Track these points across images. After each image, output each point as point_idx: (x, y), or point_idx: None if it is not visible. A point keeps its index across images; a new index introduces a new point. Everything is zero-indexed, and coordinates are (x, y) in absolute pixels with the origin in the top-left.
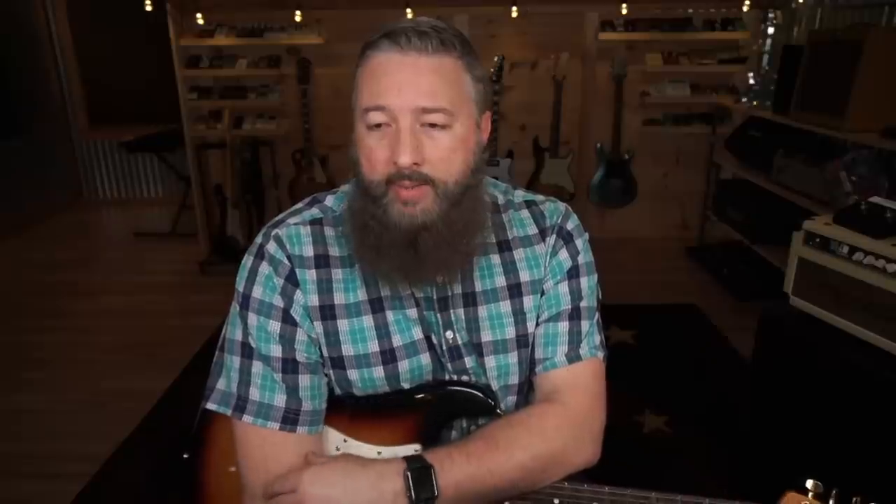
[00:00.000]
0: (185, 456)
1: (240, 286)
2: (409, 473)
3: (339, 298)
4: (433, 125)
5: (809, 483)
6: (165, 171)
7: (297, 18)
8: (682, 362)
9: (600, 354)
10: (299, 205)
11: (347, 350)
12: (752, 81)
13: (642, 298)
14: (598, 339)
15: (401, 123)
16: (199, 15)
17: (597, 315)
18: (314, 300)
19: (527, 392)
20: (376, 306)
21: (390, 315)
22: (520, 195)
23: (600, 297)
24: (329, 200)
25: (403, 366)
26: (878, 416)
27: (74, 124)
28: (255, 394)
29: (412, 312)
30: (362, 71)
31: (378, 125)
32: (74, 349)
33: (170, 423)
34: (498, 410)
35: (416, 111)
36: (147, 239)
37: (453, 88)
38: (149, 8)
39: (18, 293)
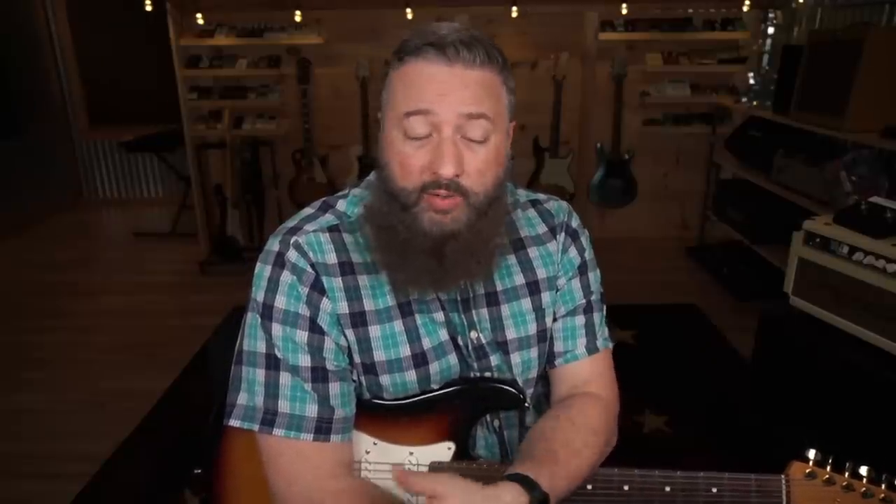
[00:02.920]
0: (196, 472)
1: (258, 296)
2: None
3: (368, 305)
4: (473, 139)
5: (811, 453)
6: (165, 171)
7: (297, 18)
8: (682, 362)
9: (611, 345)
10: (310, 209)
11: (380, 356)
12: (752, 81)
13: (642, 298)
14: (607, 330)
15: (443, 133)
16: (199, 15)
17: (604, 307)
18: (343, 308)
19: (537, 385)
20: (405, 310)
21: (418, 318)
22: (523, 194)
23: (602, 290)
24: (342, 205)
25: (434, 368)
26: (878, 416)
27: (74, 124)
28: (284, 406)
29: (438, 315)
30: (401, 76)
31: (419, 137)
32: (74, 349)
33: (170, 423)
34: (526, 403)
35: (460, 118)
36: (147, 239)
37: (495, 101)
38: (149, 8)
39: (18, 293)
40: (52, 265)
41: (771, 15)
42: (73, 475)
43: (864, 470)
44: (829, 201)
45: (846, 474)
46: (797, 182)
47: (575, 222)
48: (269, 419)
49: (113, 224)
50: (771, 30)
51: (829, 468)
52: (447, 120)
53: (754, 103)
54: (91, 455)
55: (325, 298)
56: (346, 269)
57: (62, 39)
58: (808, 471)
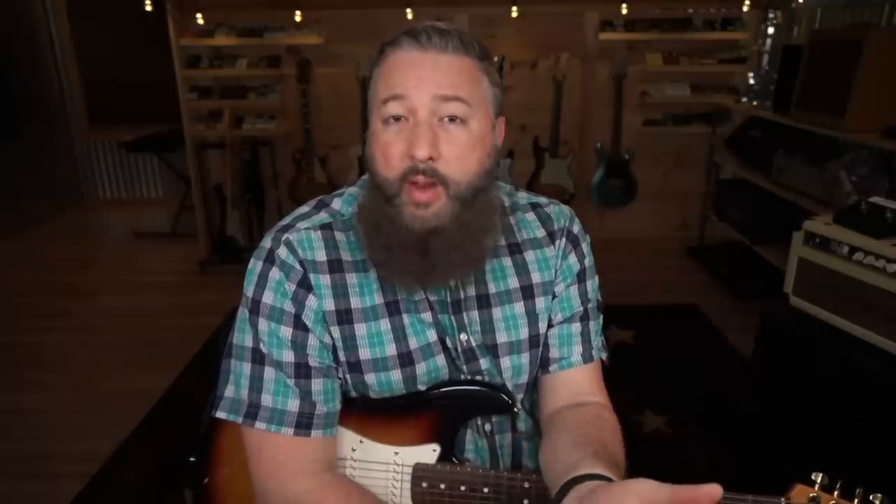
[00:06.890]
0: (191, 459)
1: (249, 291)
2: None
3: (355, 303)
4: (452, 119)
5: (816, 476)
6: (165, 171)
7: (297, 18)
8: (682, 362)
9: (604, 355)
10: (305, 208)
11: (365, 354)
12: (752, 81)
13: (642, 298)
14: (602, 340)
15: (419, 116)
16: (199, 15)
17: (600, 317)
18: (330, 305)
19: (530, 390)
20: (392, 309)
21: (406, 318)
22: (524, 197)
23: (600, 298)
24: (336, 204)
25: (420, 368)
26: (878, 416)
27: (74, 124)
28: (267, 400)
29: (427, 316)
30: (380, 68)
31: (396, 118)
32: (74, 349)
33: (170, 423)
34: (515, 409)
35: (434, 100)
36: (147, 239)
37: (471, 85)
38: (149, 8)
39: (18, 293)
40: (52, 265)
41: (771, 15)
42: (73, 475)
43: (877, 500)
44: (829, 201)
45: (855, 502)
46: (797, 182)
47: (577, 228)
48: (253, 412)
49: (113, 224)
50: (771, 30)
51: (836, 494)
52: (422, 103)
53: (754, 103)
54: (91, 455)
55: (311, 295)
56: (335, 266)
57: (62, 39)
58: (811, 495)
